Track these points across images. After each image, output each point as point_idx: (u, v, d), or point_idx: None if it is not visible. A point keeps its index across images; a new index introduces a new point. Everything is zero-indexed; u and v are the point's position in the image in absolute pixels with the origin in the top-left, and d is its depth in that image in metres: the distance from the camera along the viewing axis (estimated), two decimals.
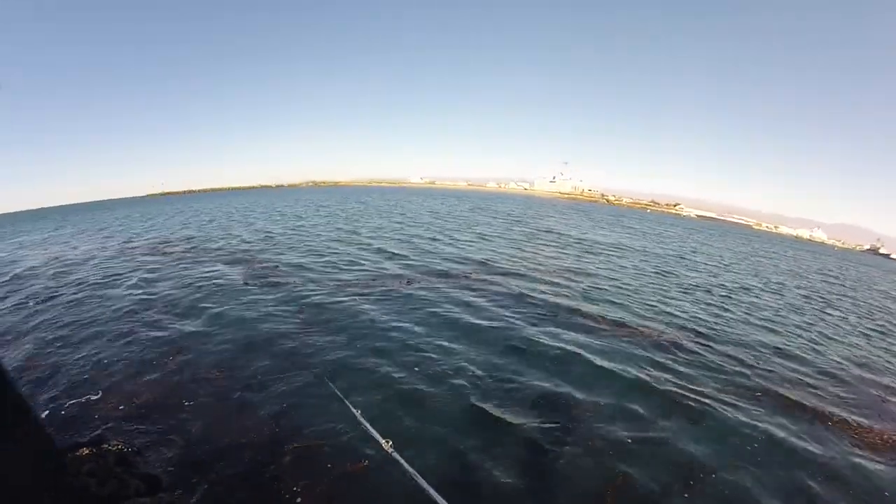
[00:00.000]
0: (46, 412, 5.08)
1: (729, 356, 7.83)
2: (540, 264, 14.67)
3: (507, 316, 8.74)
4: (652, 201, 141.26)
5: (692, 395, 6.08)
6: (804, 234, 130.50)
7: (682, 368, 6.99)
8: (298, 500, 3.84)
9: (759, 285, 16.67)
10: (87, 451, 4.18)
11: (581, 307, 9.74)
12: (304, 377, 5.97)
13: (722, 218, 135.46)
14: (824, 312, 13.38)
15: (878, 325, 12.88)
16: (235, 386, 5.74)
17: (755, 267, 22.75)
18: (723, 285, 15.10)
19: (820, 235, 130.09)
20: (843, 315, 13.58)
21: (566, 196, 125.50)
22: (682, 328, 9.12)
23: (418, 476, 2.38)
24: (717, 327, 9.58)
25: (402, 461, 2.60)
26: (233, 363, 6.37)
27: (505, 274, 12.59)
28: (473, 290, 10.46)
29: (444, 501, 2.33)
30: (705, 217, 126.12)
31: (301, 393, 5.59)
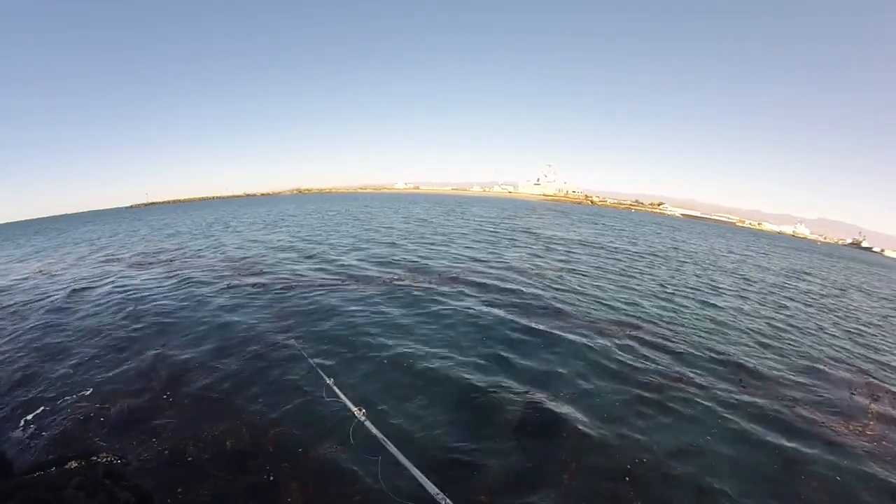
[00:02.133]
0: (33, 427, 5.08)
1: (692, 352, 7.85)
2: (506, 264, 14.68)
3: (467, 311, 8.95)
4: (636, 201, 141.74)
5: (649, 389, 6.16)
6: (787, 229, 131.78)
7: (639, 363, 7.06)
8: (287, 493, 3.93)
9: (731, 283, 16.00)
10: (75, 465, 4.21)
11: (543, 303, 10.01)
12: (284, 359, 6.37)
13: (706, 216, 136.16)
14: (782, 307, 12.90)
15: (855, 325, 12.11)
16: (217, 384, 5.90)
17: (726, 265, 22.03)
18: (692, 284, 14.47)
19: (803, 231, 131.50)
20: (803, 309, 13.05)
21: (550, 198, 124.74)
22: (645, 324, 9.10)
23: (387, 441, 2.34)
24: (680, 325, 9.47)
25: (372, 429, 2.53)
26: (213, 363, 6.55)
27: (464, 275, 12.52)
28: (437, 291, 10.59)
29: (414, 469, 2.51)
30: (689, 216, 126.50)
31: (281, 376, 5.95)
